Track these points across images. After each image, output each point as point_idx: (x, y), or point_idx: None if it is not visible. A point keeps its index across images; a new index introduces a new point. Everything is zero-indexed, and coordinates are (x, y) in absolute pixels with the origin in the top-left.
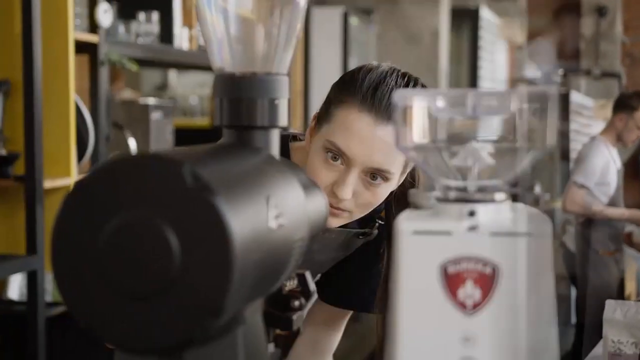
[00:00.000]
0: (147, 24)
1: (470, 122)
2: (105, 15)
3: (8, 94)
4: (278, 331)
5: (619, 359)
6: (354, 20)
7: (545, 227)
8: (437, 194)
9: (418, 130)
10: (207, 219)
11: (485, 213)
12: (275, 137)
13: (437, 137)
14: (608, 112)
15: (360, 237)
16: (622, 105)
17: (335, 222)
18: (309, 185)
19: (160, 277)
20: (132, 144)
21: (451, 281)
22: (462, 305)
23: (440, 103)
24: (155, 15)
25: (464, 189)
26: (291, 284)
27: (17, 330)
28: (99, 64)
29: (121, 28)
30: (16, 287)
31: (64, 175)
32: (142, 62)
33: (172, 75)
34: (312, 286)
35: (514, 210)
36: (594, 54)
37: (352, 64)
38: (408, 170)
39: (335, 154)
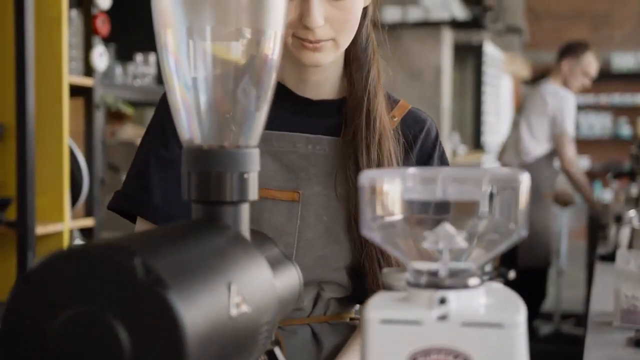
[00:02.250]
0: (144, 65)
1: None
2: (100, 58)
3: (2, 138)
4: None
5: (633, 317)
6: None
7: (519, 317)
8: (408, 277)
9: (386, 212)
10: (159, 315)
11: (458, 300)
12: (245, 212)
13: (406, 219)
14: (516, 65)
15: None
16: (570, 50)
17: (323, 58)
18: (280, 259)
19: None
20: None
21: None
22: None
23: (410, 183)
24: (152, 57)
25: (435, 273)
26: None
27: None
28: (94, 107)
29: (118, 69)
30: None
31: (57, 220)
32: (141, 103)
33: None
34: None
35: (488, 295)
36: (497, 8)
37: None
38: None
39: None
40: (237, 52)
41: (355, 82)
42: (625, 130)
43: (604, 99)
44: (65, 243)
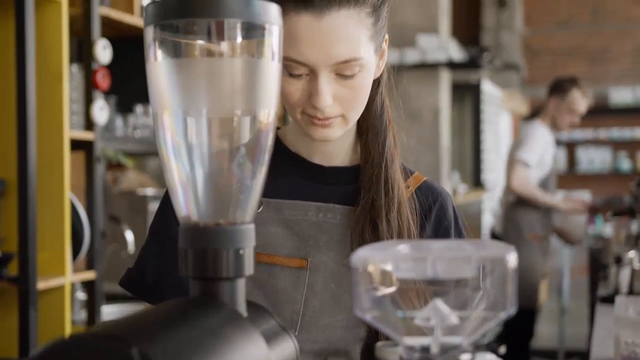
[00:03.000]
0: (145, 116)
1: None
2: (101, 112)
3: (3, 194)
4: None
5: None
6: None
7: None
8: (401, 353)
9: (378, 291)
10: None
11: None
12: (241, 286)
13: (398, 297)
14: (515, 102)
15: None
16: (555, 88)
17: (332, 133)
18: (277, 331)
19: None
20: (130, 237)
21: None
22: None
23: (401, 264)
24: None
25: (427, 348)
26: None
27: None
28: (94, 160)
29: (119, 121)
30: None
31: (59, 274)
32: (141, 153)
33: None
34: None
35: None
36: (494, 45)
37: None
38: (382, 45)
39: (294, 67)
40: (232, 131)
41: (372, 150)
42: (625, 164)
43: (603, 133)
44: (67, 297)
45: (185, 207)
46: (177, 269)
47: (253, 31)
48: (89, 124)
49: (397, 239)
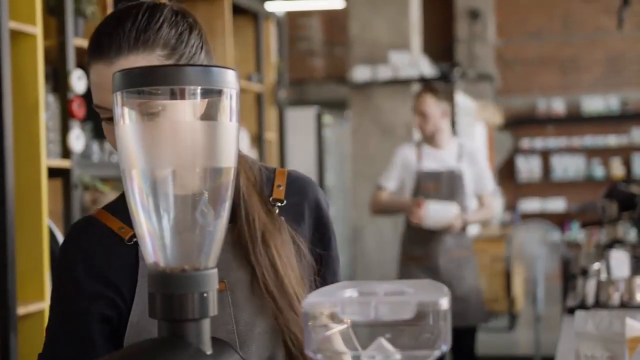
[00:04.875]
0: None
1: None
2: (77, 140)
3: None
4: None
5: None
6: (327, 118)
7: None
8: None
9: (326, 333)
10: None
11: None
12: (206, 326)
13: (345, 337)
14: (489, 112)
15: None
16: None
17: None
18: None
19: None
20: None
21: None
22: None
23: (347, 308)
24: None
25: None
26: None
27: None
28: (72, 187)
29: (95, 147)
30: None
31: (38, 299)
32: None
33: None
34: None
35: None
36: (468, 57)
37: (328, 160)
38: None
39: (101, 112)
40: (195, 185)
41: None
42: (599, 171)
43: (577, 141)
44: (46, 322)
45: (153, 254)
46: (88, 345)
47: (212, 95)
48: (66, 152)
49: (278, 258)
